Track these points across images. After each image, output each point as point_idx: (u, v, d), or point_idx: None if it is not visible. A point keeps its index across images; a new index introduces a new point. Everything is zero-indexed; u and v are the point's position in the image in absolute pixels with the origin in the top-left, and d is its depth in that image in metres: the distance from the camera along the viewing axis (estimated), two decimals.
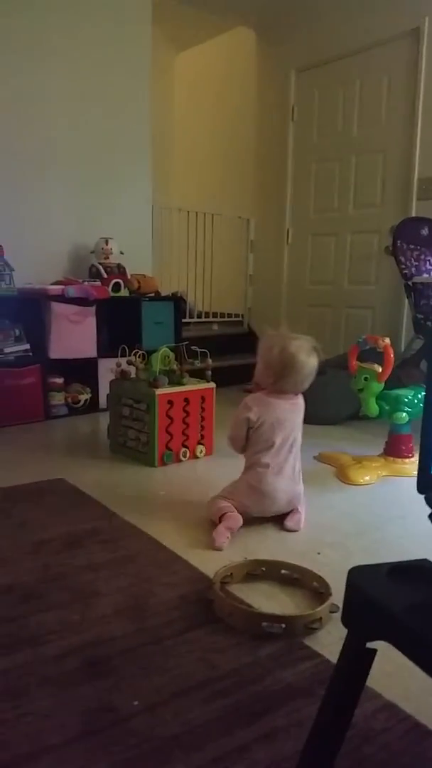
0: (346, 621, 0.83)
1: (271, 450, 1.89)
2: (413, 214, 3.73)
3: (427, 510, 0.85)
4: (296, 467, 1.94)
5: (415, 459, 2.43)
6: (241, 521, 1.85)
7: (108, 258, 3.70)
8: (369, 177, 4.10)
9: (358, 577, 0.82)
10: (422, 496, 0.86)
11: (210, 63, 5.30)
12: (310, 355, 1.89)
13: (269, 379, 1.91)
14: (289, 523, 1.90)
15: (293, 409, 1.93)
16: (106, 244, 3.69)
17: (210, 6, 4.49)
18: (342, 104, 4.22)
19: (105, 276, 3.64)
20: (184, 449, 2.56)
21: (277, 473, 1.89)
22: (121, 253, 3.74)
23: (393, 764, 0.98)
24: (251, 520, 1.92)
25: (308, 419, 2.01)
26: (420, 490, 0.87)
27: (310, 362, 1.88)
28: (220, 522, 1.83)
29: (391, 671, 1.10)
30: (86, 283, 3.54)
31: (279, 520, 1.93)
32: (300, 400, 1.96)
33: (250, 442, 1.93)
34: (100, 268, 3.66)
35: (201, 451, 2.62)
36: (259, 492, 1.88)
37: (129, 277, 3.75)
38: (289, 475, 1.91)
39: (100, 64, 3.80)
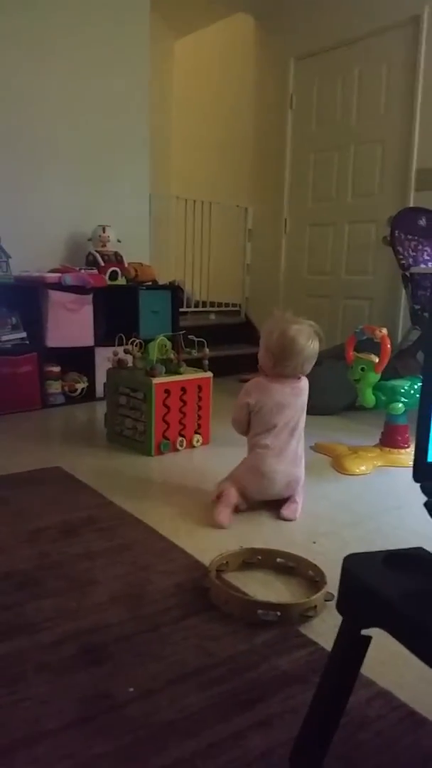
0: (341, 608, 0.83)
1: (272, 432, 1.90)
2: (411, 205, 3.71)
3: (423, 499, 0.85)
4: (298, 450, 1.96)
5: (411, 449, 2.44)
6: (235, 496, 1.89)
7: (105, 246, 3.68)
8: (367, 167, 4.08)
9: (354, 564, 0.82)
10: (418, 486, 0.87)
11: (209, 50, 5.24)
12: (311, 339, 1.90)
13: (269, 363, 1.93)
14: (285, 512, 1.91)
15: (294, 392, 1.93)
16: (104, 232, 3.67)
17: None
18: (341, 93, 4.19)
19: (102, 264, 3.62)
20: (180, 438, 2.56)
21: (277, 455, 1.90)
22: (119, 241, 3.72)
23: (387, 751, 0.98)
24: (247, 509, 1.93)
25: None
26: (416, 478, 0.87)
27: (309, 346, 1.89)
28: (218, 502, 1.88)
29: (385, 659, 1.10)
30: (83, 271, 3.52)
31: (275, 509, 1.94)
32: (302, 384, 1.96)
33: (252, 425, 1.95)
34: (97, 256, 3.64)
35: (198, 441, 2.62)
36: (258, 473, 1.90)
37: (126, 265, 3.73)
38: (289, 457, 1.93)
39: (98, 61, 3.76)
